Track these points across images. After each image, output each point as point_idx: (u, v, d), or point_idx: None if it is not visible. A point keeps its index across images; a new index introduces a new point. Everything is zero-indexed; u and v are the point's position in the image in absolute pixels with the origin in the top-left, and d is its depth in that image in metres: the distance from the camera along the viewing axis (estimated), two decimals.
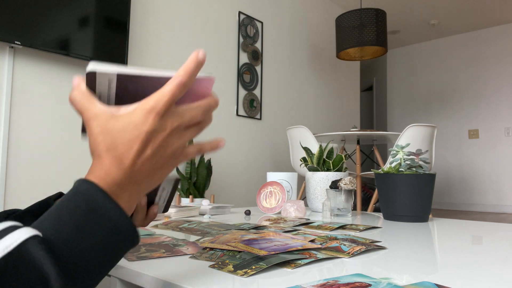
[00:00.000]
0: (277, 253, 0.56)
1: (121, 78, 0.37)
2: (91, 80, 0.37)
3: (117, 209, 0.34)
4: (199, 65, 0.37)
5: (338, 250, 0.62)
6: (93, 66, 0.36)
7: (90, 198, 0.34)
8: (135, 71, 0.37)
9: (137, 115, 0.36)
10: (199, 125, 0.40)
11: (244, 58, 3.54)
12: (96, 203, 0.34)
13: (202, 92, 0.41)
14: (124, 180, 0.36)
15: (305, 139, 3.16)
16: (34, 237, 0.30)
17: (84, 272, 0.32)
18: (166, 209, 0.57)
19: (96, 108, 0.37)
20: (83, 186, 0.34)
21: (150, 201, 0.52)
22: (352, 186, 1.18)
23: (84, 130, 0.40)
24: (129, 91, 0.39)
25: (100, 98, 0.39)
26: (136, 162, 0.36)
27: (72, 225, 0.32)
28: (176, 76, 0.36)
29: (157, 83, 0.38)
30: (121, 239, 0.35)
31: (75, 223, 0.32)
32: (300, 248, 0.60)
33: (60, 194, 0.54)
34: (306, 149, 1.44)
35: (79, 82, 0.38)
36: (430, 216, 1.54)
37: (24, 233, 0.30)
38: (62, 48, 2.19)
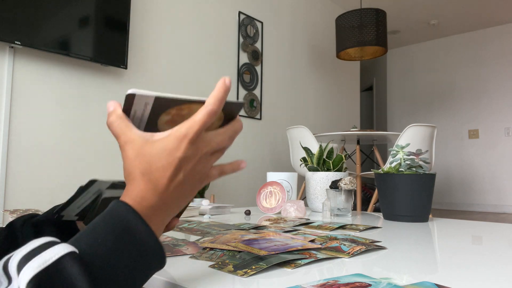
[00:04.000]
0: (277, 253, 0.56)
1: (157, 101, 0.38)
2: (128, 103, 0.39)
3: (150, 233, 0.36)
4: (227, 91, 0.38)
5: (338, 250, 0.62)
6: (133, 89, 0.38)
7: (125, 220, 0.35)
8: (172, 95, 0.38)
9: (171, 142, 0.37)
10: (223, 149, 0.42)
11: (244, 58, 3.54)
12: (130, 225, 0.35)
13: (229, 116, 0.42)
14: (157, 204, 0.38)
15: (305, 139, 3.16)
16: (70, 254, 0.31)
17: None
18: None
19: (132, 133, 0.38)
20: (119, 208, 0.36)
21: None
22: (352, 186, 1.18)
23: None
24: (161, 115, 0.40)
25: (133, 120, 0.40)
26: (169, 186, 0.38)
27: (107, 245, 0.34)
28: (207, 104, 0.38)
29: (190, 108, 0.40)
30: (151, 261, 0.36)
31: (110, 243, 0.34)
32: (300, 248, 0.60)
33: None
34: (306, 149, 1.44)
35: (116, 107, 0.40)
36: (430, 216, 1.54)
37: (62, 249, 0.31)
38: (62, 48, 2.19)
